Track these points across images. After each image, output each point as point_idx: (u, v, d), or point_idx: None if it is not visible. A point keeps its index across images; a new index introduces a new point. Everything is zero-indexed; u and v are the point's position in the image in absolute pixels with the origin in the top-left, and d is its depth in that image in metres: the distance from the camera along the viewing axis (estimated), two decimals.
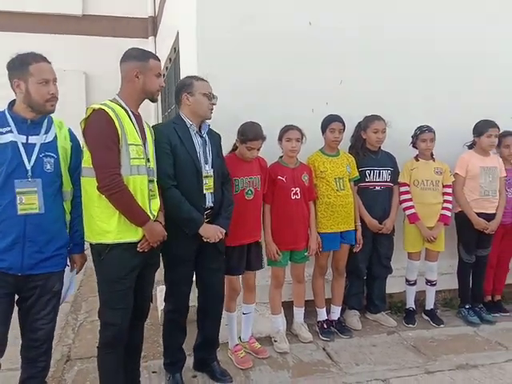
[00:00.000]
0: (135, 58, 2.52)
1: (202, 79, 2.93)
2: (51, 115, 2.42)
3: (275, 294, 3.60)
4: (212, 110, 2.90)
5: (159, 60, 2.63)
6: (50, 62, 2.35)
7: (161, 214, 2.64)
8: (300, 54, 3.90)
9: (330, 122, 3.66)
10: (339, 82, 4.02)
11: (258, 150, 3.21)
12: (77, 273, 2.63)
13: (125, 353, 2.60)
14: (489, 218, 3.96)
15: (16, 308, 2.41)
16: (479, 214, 3.95)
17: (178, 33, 4.96)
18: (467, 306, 4.12)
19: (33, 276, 2.33)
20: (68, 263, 2.53)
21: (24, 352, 2.44)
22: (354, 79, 4.01)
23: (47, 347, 2.46)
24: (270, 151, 3.48)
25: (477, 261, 4.08)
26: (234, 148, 3.32)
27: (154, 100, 2.64)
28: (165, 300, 2.99)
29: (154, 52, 7.48)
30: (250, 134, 3.15)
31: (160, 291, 3.94)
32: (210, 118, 2.93)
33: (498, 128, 3.96)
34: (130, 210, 2.40)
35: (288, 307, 3.77)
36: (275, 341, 3.52)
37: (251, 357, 3.35)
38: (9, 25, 7.25)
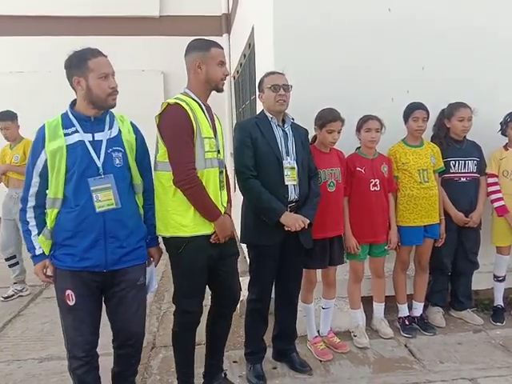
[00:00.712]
0: (196, 48, 2.53)
1: (272, 73, 2.96)
2: (112, 110, 2.38)
3: (354, 289, 3.55)
4: (280, 101, 2.87)
5: (222, 48, 2.58)
6: (106, 56, 2.29)
7: (229, 205, 2.68)
8: (379, 41, 3.78)
9: (413, 110, 3.53)
10: (421, 69, 3.87)
11: (339, 132, 3.17)
12: (155, 266, 2.64)
13: (210, 342, 2.69)
14: None
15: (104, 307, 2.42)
16: None
17: (253, 28, 5.00)
18: None
19: (118, 271, 2.33)
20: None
21: (117, 349, 2.46)
22: (435, 66, 3.84)
23: (139, 344, 2.49)
24: (347, 143, 3.42)
25: None
26: (314, 140, 3.30)
27: (219, 90, 2.59)
28: (248, 289, 3.04)
29: (228, 49, 7.76)
30: (329, 115, 3.14)
31: (242, 282, 4.02)
32: (281, 111, 2.92)
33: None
34: (204, 205, 2.45)
35: (368, 302, 3.70)
36: (355, 336, 3.47)
37: (331, 351, 3.33)
38: (92, 29, 7.68)
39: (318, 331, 3.44)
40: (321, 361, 3.22)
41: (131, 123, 2.48)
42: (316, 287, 3.38)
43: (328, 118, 3.13)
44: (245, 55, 5.92)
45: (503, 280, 3.87)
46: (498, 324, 3.75)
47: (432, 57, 3.85)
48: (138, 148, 2.44)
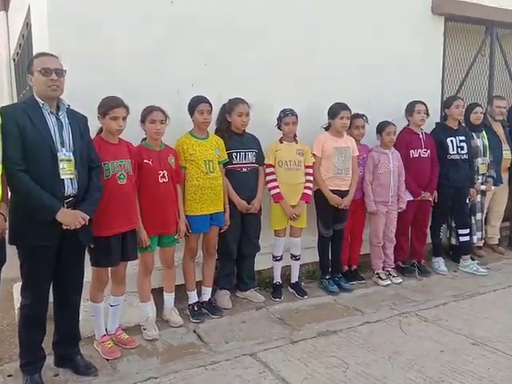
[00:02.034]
0: None
1: (43, 54, 2.71)
2: None
3: (144, 282, 3.52)
4: (53, 86, 2.64)
5: None
6: None
7: (3, 204, 2.40)
8: (162, 33, 3.79)
9: (198, 104, 3.63)
10: (204, 64, 4.02)
11: (124, 119, 3.07)
12: None
13: None
14: (342, 194, 4.28)
15: None
16: (334, 191, 4.24)
17: (29, 6, 4.51)
18: (327, 277, 4.44)
19: None
20: None
21: None
22: (219, 61, 4.03)
23: None
24: (131, 133, 3.34)
25: (334, 234, 4.40)
26: (99, 131, 3.15)
27: None
28: (21, 295, 2.76)
29: (6, 28, 6.88)
30: (112, 101, 3.04)
31: (16, 288, 3.64)
32: (53, 97, 2.69)
33: (350, 110, 4.26)
34: None
35: (158, 294, 3.71)
36: (144, 329, 3.45)
37: (120, 348, 3.24)
38: None
39: (106, 330, 3.32)
40: (108, 359, 3.12)
41: None
42: None
43: (111, 105, 3.03)
44: (23, 35, 5.33)
45: (280, 259, 4.30)
46: (277, 299, 4.16)
47: (215, 52, 4.02)
48: None
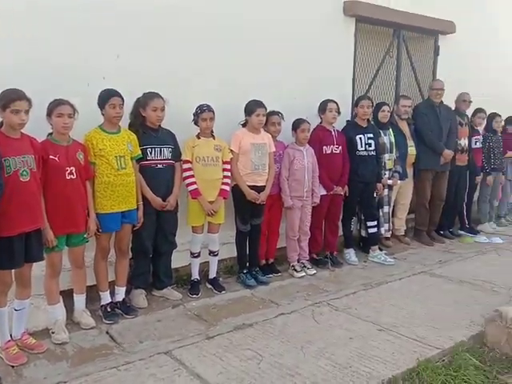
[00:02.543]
0: None
1: None
2: None
3: (52, 284, 3.36)
4: None
5: None
6: None
7: None
8: (72, 24, 3.63)
9: (110, 97, 3.51)
10: (116, 57, 3.90)
11: (26, 113, 2.89)
12: None
13: None
14: (259, 190, 4.35)
15: None
16: (251, 187, 4.31)
17: None
18: (245, 271, 4.50)
19: None
20: None
21: None
22: (132, 54, 3.92)
23: None
24: (35, 127, 3.17)
25: (252, 229, 4.47)
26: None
27: None
28: None
29: None
30: (13, 94, 2.87)
31: None
32: None
33: (266, 108, 4.33)
34: None
35: (69, 296, 3.56)
36: (53, 332, 3.30)
37: (26, 354, 3.08)
38: None
39: (11, 335, 3.14)
40: (13, 366, 2.95)
41: None
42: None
43: (11, 97, 2.85)
44: None
45: (198, 256, 4.29)
46: (194, 296, 4.15)
47: (128, 45, 3.91)
48: None
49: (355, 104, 5.20)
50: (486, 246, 5.96)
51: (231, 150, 4.28)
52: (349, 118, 5.35)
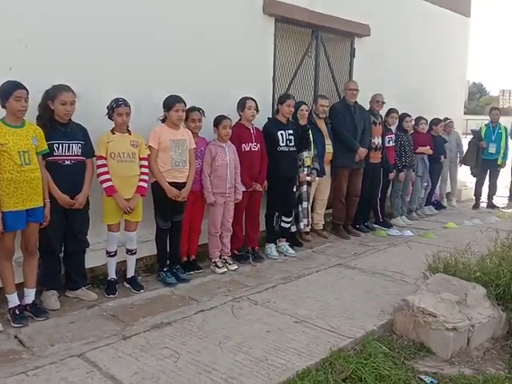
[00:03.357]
0: None
1: None
2: None
3: None
4: None
5: None
6: None
7: None
8: None
9: (14, 90, 3.29)
10: (24, 47, 3.69)
11: None
12: None
13: None
14: (180, 186, 4.31)
15: None
16: (172, 184, 4.25)
17: None
18: (165, 269, 4.44)
19: None
20: None
21: None
22: (41, 45, 3.73)
23: None
24: None
25: (172, 226, 4.42)
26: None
27: None
28: None
29: None
30: None
31: None
32: None
33: (185, 103, 4.28)
34: None
35: None
36: None
37: None
38: None
39: None
40: None
41: None
42: None
43: None
44: None
45: (115, 255, 4.17)
46: (111, 296, 4.03)
47: (36, 34, 3.71)
48: None
49: (279, 102, 5.25)
50: (397, 238, 6.30)
51: (150, 147, 4.20)
52: (270, 116, 5.44)
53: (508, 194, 8.87)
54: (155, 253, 4.54)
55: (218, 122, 4.72)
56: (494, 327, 3.55)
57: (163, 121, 4.35)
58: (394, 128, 6.93)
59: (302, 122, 5.47)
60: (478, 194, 8.71)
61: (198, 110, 4.55)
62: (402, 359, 3.23)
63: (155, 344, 3.23)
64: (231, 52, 5.12)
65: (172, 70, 4.59)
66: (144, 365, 2.96)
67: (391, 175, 6.81)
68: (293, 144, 5.23)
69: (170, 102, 4.24)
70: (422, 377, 3.06)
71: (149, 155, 4.18)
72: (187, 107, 4.36)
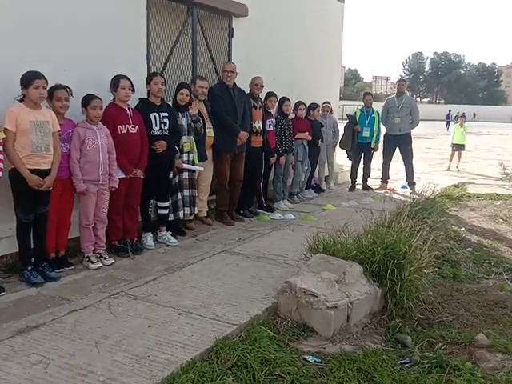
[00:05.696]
0: None
1: None
2: None
3: None
4: None
5: None
6: None
7: None
8: None
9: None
10: None
11: None
12: None
13: None
14: (44, 174, 3.86)
15: None
16: (33, 171, 3.78)
17: None
18: (30, 268, 3.97)
19: None
20: None
21: None
22: None
23: None
24: None
25: (36, 219, 3.95)
26: None
27: None
28: None
29: None
30: None
31: None
32: None
33: (46, 80, 3.80)
34: None
35: None
36: None
37: None
38: None
39: None
40: None
41: None
42: None
43: None
44: None
45: None
46: None
47: None
48: None
49: (147, 81, 4.92)
50: (280, 222, 6.38)
51: (5, 129, 3.67)
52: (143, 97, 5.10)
53: (381, 176, 9.49)
54: (17, 250, 4.03)
55: (87, 101, 4.29)
56: (371, 303, 3.71)
57: (21, 100, 3.83)
58: (274, 112, 6.97)
59: (182, 104, 5.22)
60: (353, 176, 9.19)
61: (65, 87, 4.09)
62: (286, 341, 3.24)
63: (21, 351, 2.90)
64: (100, 26, 4.68)
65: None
66: (9, 375, 2.65)
67: (272, 159, 6.86)
68: (167, 128, 4.96)
69: (29, 79, 3.74)
70: (306, 357, 3.09)
71: (4, 139, 3.66)
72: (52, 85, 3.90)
